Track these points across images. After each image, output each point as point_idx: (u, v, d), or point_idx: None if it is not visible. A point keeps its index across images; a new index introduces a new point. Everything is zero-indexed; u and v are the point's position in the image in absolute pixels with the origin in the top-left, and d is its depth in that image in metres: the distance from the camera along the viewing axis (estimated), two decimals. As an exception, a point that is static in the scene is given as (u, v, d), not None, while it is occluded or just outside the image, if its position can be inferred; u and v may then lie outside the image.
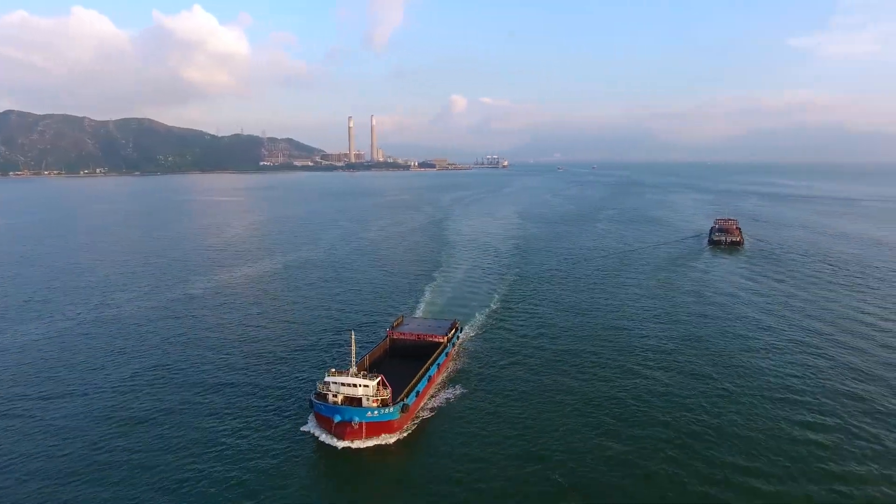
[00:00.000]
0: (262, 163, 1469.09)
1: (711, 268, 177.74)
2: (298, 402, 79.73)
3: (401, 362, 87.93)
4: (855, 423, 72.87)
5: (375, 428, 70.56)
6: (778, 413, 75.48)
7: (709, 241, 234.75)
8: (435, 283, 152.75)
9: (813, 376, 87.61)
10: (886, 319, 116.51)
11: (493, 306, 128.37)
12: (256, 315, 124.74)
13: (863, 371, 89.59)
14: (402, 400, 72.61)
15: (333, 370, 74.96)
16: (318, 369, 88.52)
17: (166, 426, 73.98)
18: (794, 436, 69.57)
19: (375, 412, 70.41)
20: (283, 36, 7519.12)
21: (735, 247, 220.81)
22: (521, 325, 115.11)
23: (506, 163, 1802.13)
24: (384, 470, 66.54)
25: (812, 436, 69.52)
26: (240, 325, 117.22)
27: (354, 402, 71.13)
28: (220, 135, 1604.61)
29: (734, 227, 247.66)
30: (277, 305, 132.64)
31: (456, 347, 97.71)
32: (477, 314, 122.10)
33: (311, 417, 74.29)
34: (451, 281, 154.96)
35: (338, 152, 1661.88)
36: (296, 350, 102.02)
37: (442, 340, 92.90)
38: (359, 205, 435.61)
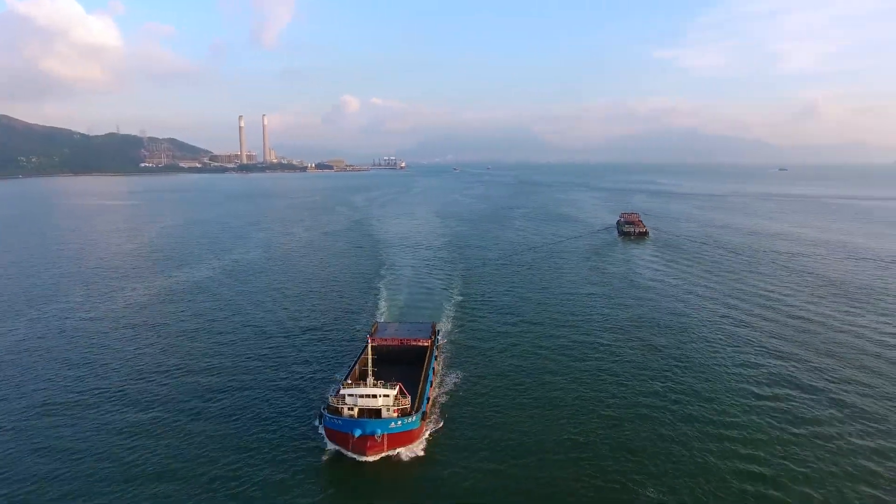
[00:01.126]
0: (142, 164, 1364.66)
1: (629, 255, 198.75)
2: (298, 418, 74.91)
3: (388, 369, 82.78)
4: (774, 376, 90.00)
5: (398, 439, 66.54)
6: (736, 378, 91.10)
7: (619, 232, 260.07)
8: (385, 280, 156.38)
9: (742, 340, 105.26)
10: (788, 295, 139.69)
11: (454, 302, 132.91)
12: (218, 324, 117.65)
13: (778, 334, 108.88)
14: (419, 407, 69.61)
15: (348, 381, 71.17)
16: (306, 381, 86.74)
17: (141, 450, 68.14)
18: (757, 395, 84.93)
19: (398, 422, 66.35)
20: (161, 28, 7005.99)
21: (642, 237, 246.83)
22: (487, 318, 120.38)
23: (403, 164, 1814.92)
24: (414, 484, 62.32)
25: (766, 392, 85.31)
26: (197, 339, 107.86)
27: (372, 413, 66.92)
28: (91, 134, 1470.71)
29: (638, 219, 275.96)
30: (235, 314, 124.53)
31: (438, 349, 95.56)
32: (441, 312, 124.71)
33: (319, 433, 69.42)
34: (401, 279, 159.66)
35: (228, 153, 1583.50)
36: (274, 362, 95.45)
37: (427, 343, 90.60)
38: (271, 206, 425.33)
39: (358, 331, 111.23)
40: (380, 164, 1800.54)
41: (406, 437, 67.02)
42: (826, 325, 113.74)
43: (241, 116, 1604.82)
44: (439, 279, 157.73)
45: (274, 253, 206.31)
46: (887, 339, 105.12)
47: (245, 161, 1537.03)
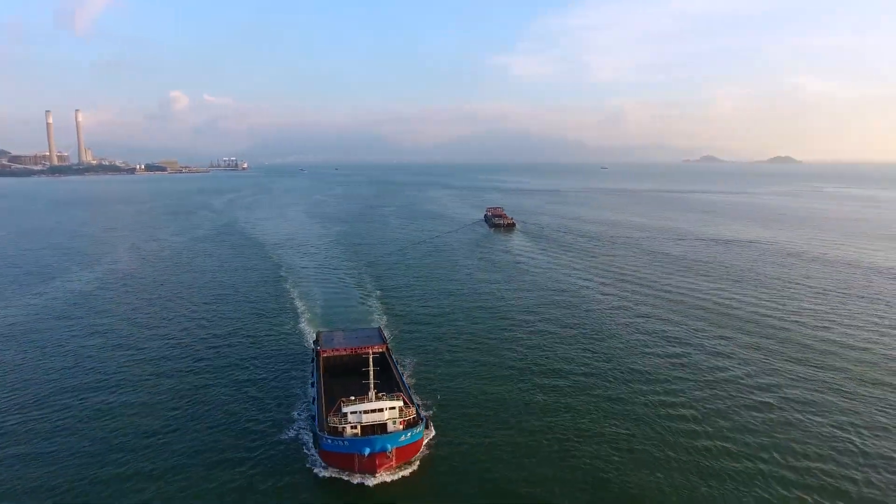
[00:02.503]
0: None
1: (508, 245, 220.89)
2: (274, 444, 68.25)
3: (347, 380, 78.56)
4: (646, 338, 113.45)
5: (405, 452, 63.24)
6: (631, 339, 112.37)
7: (490, 225, 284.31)
8: (289, 282, 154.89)
9: (622, 308, 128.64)
10: (646, 270, 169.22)
11: (377, 302, 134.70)
12: (132, 341, 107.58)
13: (649, 303, 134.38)
14: (420, 415, 66.59)
15: (348, 398, 65.62)
16: (256, 401, 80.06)
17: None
18: (649, 350, 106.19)
19: (408, 434, 62.91)
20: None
21: (511, 228, 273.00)
22: (417, 314, 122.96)
23: (245, 165, 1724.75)
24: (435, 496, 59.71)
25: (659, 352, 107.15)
26: (107, 360, 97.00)
27: (377, 428, 63.15)
28: None
29: (503, 213, 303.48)
30: (144, 328, 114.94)
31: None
32: (368, 314, 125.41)
33: (312, 459, 64.54)
34: (307, 280, 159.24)
35: (33, 154, 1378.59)
36: (211, 381, 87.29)
37: (383, 349, 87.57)
38: (119, 212, 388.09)
39: (288, 338, 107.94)
40: (219, 166, 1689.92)
41: (412, 450, 64.04)
42: (680, 292, 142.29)
43: (48, 112, 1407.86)
44: (346, 278, 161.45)
45: (151, 261, 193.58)
46: (725, 300, 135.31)
47: (56, 162, 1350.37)
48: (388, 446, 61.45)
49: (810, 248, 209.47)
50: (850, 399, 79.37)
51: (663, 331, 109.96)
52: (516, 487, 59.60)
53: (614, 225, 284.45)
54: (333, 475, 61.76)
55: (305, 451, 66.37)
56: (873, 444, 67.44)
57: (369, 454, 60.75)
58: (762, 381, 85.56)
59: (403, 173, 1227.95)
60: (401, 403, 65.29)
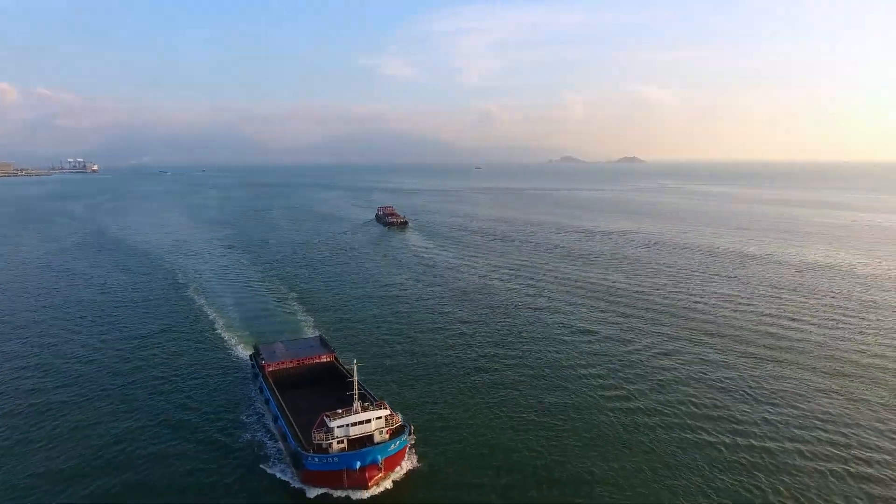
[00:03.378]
0: None
1: (406, 243, 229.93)
2: (239, 467, 64.54)
3: (303, 393, 76.54)
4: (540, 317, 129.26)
5: (393, 461, 61.41)
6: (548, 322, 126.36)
7: (383, 223, 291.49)
8: (191, 289, 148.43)
9: (526, 296, 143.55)
10: (540, 261, 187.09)
11: (298, 306, 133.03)
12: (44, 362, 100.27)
13: (547, 289, 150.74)
14: (404, 422, 64.73)
15: (334, 411, 62.10)
16: (201, 422, 74.73)
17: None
18: (562, 329, 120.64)
19: (396, 443, 61.22)
20: None
21: (404, 226, 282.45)
22: (339, 316, 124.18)
23: (95, 167, 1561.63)
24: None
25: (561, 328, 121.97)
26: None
27: (364, 439, 60.77)
28: None
29: (394, 211, 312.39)
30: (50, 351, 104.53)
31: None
32: (288, 317, 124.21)
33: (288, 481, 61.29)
34: (212, 287, 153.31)
35: None
36: (149, 402, 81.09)
37: (330, 358, 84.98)
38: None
39: (213, 352, 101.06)
40: (63, 168, 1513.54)
41: (399, 458, 62.18)
42: (573, 279, 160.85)
43: None
44: (254, 283, 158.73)
45: (17, 278, 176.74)
46: (611, 284, 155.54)
47: None
48: (379, 457, 59.31)
49: (671, 236, 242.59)
50: (714, 352, 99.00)
51: (570, 313, 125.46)
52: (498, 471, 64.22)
53: (500, 221, 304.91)
54: (313, 495, 58.87)
55: (280, 475, 62.18)
56: (725, 375, 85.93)
57: (359, 468, 58.32)
58: (663, 349, 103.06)
59: (279, 175, 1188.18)
60: (387, 412, 62.69)
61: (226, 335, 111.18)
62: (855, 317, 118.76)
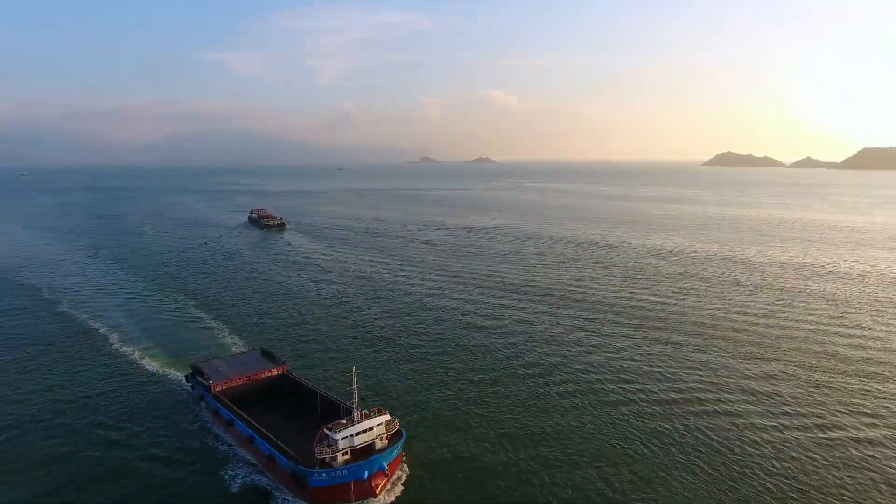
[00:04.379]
0: None
1: (291, 245, 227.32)
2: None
3: (258, 411, 72.69)
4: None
5: (394, 466, 60.80)
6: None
7: (259, 226, 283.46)
8: (64, 306, 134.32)
9: (427, 288, 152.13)
10: (425, 257, 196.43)
11: (199, 313, 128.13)
12: None
13: (441, 280, 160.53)
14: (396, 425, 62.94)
15: (334, 423, 59.96)
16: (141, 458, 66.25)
17: None
18: (467, 319, 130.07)
19: (398, 447, 60.83)
20: None
21: (282, 228, 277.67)
22: (251, 322, 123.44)
23: None
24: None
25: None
26: None
27: (366, 448, 59.21)
28: None
29: (269, 213, 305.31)
30: None
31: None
32: (197, 328, 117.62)
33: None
34: (90, 300, 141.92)
35: None
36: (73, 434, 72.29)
37: (282, 370, 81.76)
38: None
39: (125, 377, 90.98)
40: None
41: (398, 461, 61.61)
42: (468, 272, 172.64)
43: None
44: (142, 292, 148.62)
45: None
46: (504, 276, 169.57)
47: None
48: (384, 464, 58.62)
49: (539, 230, 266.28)
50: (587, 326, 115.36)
51: (469, 305, 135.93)
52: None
53: (378, 220, 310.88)
54: None
55: (282, 502, 58.63)
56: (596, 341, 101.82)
57: (367, 477, 57.30)
58: (558, 329, 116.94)
59: (121, 178, 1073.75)
60: (387, 417, 61.66)
61: (132, 352, 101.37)
62: (700, 291, 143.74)
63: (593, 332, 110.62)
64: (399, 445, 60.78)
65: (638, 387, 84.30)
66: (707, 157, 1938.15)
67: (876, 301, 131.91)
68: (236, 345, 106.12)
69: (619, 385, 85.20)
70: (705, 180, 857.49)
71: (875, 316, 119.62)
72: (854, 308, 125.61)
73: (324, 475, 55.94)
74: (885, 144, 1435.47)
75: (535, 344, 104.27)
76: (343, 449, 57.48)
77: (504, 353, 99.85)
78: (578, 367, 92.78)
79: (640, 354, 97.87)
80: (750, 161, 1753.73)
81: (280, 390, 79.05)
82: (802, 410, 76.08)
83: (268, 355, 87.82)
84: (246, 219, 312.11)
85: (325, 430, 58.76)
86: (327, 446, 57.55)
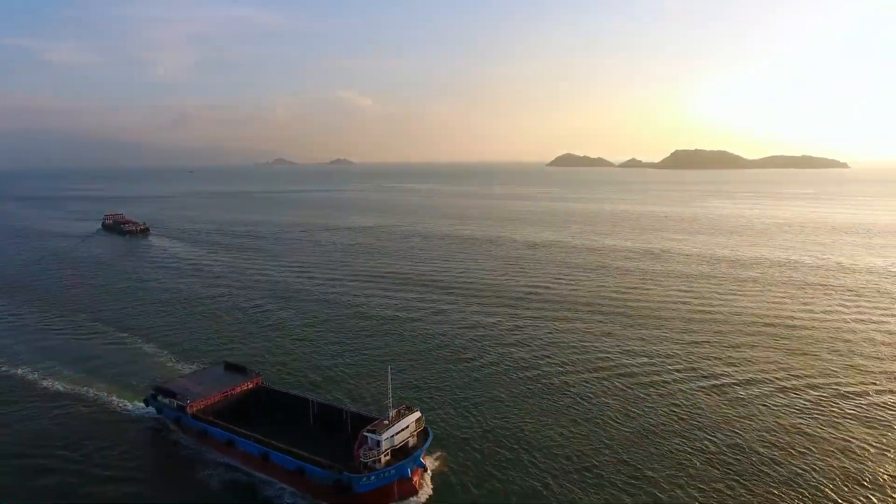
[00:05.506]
0: None
1: (166, 251, 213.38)
2: None
3: (244, 427, 68.57)
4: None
5: (423, 459, 61.13)
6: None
7: (119, 232, 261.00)
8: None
9: (333, 288, 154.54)
10: (321, 258, 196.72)
11: (83, 326, 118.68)
12: None
13: (343, 278, 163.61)
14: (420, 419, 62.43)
15: (379, 423, 58.89)
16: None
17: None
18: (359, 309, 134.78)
19: (429, 441, 61.23)
20: None
21: (146, 233, 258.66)
22: (156, 330, 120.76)
23: None
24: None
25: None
26: None
27: (402, 449, 58.82)
28: None
29: (128, 219, 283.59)
30: None
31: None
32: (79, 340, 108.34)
33: None
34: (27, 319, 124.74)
35: None
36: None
37: (258, 381, 78.33)
38: None
39: (43, 404, 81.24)
40: None
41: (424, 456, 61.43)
42: (366, 270, 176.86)
43: None
44: (22, 315, 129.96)
45: None
46: (401, 271, 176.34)
47: None
48: (421, 460, 59.08)
49: (418, 228, 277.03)
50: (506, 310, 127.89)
51: (385, 297, 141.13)
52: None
53: (251, 223, 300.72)
54: None
55: None
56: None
57: (409, 474, 57.67)
58: (470, 315, 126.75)
59: None
60: (418, 414, 61.69)
61: (49, 382, 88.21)
62: (577, 275, 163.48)
63: (492, 313, 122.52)
64: (430, 440, 61.06)
65: (541, 357, 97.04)
66: (550, 159, 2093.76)
67: (712, 276, 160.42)
68: (170, 361, 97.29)
69: (525, 354, 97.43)
70: (552, 179, 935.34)
71: (717, 286, 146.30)
72: (697, 282, 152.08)
73: (372, 478, 55.49)
74: (691, 147, 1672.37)
75: (450, 330, 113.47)
76: (386, 450, 56.96)
77: (435, 342, 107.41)
78: (489, 343, 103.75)
79: (546, 332, 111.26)
80: (586, 162, 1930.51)
81: (257, 403, 75.49)
82: (681, 365, 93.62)
83: (235, 368, 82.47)
84: (99, 226, 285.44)
85: (365, 433, 57.63)
86: (370, 449, 56.56)
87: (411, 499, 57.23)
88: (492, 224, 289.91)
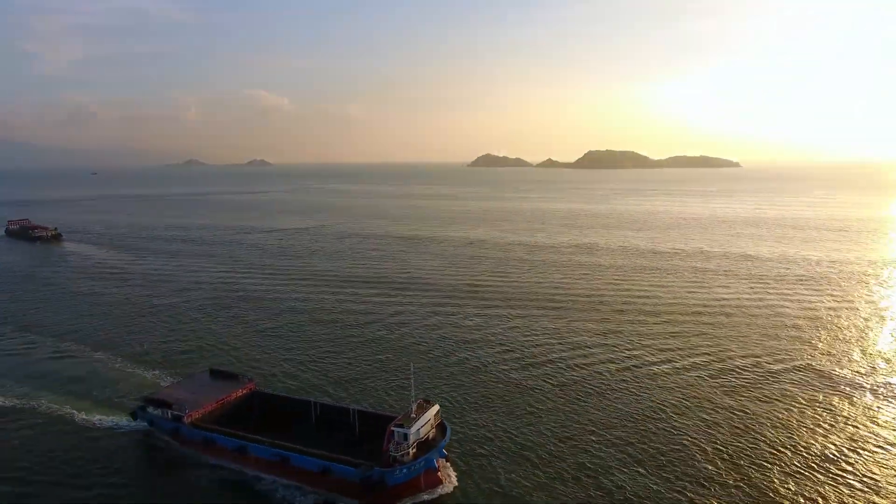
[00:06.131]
0: None
1: (86, 255, 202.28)
2: None
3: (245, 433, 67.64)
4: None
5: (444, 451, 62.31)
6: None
7: (27, 238, 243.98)
8: None
9: (269, 288, 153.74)
10: (254, 259, 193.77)
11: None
12: None
13: (278, 279, 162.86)
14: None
15: (402, 417, 60.17)
16: None
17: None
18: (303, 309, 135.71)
19: (448, 432, 62.20)
20: None
21: (59, 239, 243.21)
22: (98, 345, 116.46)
23: None
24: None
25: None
26: None
27: (425, 441, 59.90)
28: None
29: (37, 224, 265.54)
30: None
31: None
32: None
33: None
34: None
35: None
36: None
37: (252, 386, 76.82)
38: None
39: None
40: None
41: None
42: (308, 271, 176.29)
43: None
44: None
45: None
46: (343, 271, 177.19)
47: None
48: (443, 451, 60.79)
49: (351, 228, 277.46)
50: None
51: (330, 299, 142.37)
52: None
53: (172, 227, 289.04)
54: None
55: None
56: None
57: (437, 465, 59.38)
58: (408, 308, 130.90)
59: None
60: (437, 407, 63.26)
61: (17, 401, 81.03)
62: (512, 270, 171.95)
63: (439, 306, 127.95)
64: (449, 431, 62.29)
65: (474, 342, 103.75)
66: (471, 159, 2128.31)
67: (643, 268, 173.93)
68: (133, 371, 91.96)
69: (462, 344, 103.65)
70: (478, 179, 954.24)
71: (642, 276, 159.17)
72: (624, 273, 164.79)
73: (404, 470, 56.77)
74: (602, 147, 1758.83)
75: (391, 324, 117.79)
76: (413, 443, 58.25)
77: (395, 335, 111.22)
78: (435, 336, 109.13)
79: (484, 321, 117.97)
80: (505, 162, 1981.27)
81: (251, 409, 74.31)
82: (601, 342, 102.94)
83: (224, 375, 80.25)
84: (2, 232, 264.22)
85: (393, 427, 58.84)
86: (398, 443, 57.92)
87: (437, 489, 58.72)
88: (425, 223, 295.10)
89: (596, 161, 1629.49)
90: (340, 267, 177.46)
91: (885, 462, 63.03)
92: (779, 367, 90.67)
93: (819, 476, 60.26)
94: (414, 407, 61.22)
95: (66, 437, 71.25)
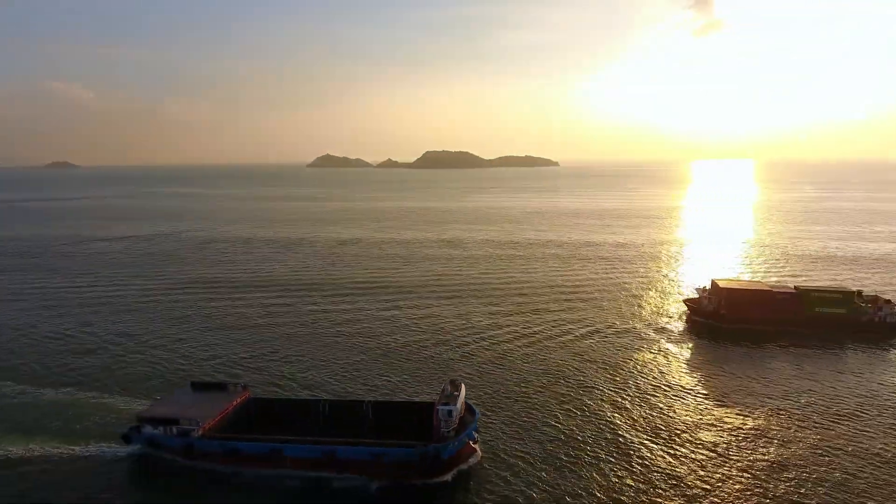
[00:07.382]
0: None
1: None
2: None
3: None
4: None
5: None
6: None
7: None
8: None
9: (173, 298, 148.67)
10: (133, 269, 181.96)
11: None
12: None
13: (177, 286, 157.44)
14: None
15: (443, 395, 64.73)
16: None
17: None
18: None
19: (477, 409, 67.90)
20: None
21: None
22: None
23: None
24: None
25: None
26: None
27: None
28: None
29: None
30: None
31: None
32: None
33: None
34: None
35: None
36: None
37: (246, 396, 74.68)
38: None
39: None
40: None
41: None
42: (197, 278, 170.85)
43: None
44: None
45: None
46: (233, 276, 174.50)
47: None
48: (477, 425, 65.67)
49: (209, 233, 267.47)
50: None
51: (237, 304, 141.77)
52: None
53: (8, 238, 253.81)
54: (454, 474, 62.08)
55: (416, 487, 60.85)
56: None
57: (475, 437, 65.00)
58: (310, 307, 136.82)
59: None
60: (464, 387, 67.48)
61: None
62: (394, 264, 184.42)
63: (342, 302, 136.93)
64: (476, 410, 67.50)
65: (387, 330, 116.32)
66: (310, 160, 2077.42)
67: (500, 257, 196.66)
68: (86, 398, 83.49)
69: (369, 334, 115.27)
70: (319, 180, 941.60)
71: (505, 264, 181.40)
72: (490, 262, 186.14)
73: (456, 443, 61.69)
74: (440, 148, 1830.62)
75: (326, 325, 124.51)
76: (455, 417, 62.24)
77: (329, 334, 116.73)
78: (351, 327, 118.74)
79: (395, 313, 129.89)
80: (346, 162, 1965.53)
81: (249, 416, 72.96)
82: (513, 322, 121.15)
83: (210, 386, 76.76)
84: None
85: (439, 406, 62.96)
86: (445, 420, 62.09)
87: (471, 460, 64.02)
88: (288, 225, 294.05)
89: (433, 161, 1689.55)
90: (219, 272, 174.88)
91: (668, 385, 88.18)
92: (626, 327, 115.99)
93: (631, 399, 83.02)
94: (448, 386, 66.31)
95: (62, 475, 62.95)
